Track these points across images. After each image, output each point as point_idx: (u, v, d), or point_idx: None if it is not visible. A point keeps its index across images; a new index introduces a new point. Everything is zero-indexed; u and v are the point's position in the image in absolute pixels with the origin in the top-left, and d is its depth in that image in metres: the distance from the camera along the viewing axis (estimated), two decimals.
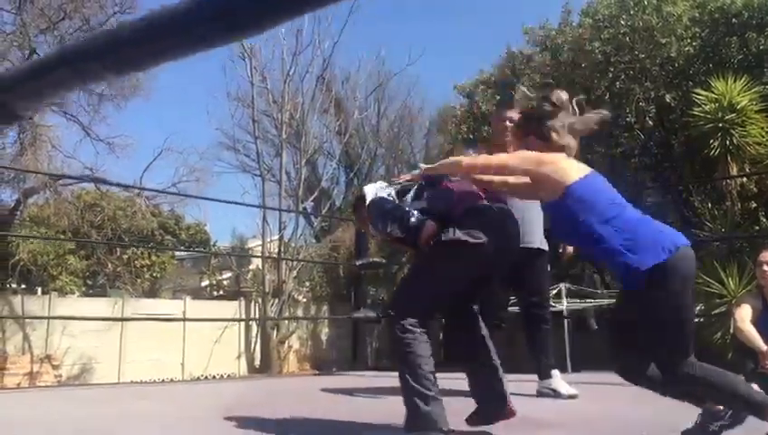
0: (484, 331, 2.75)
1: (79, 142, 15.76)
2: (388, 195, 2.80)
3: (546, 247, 3.96)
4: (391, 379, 5.04)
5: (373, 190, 2.87)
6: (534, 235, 3.81)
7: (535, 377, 3.95)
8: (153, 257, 17.93)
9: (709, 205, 10.10)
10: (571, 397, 3.75)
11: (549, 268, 4.17)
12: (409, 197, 2.76)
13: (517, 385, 3.94)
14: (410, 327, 2.54)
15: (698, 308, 9.42)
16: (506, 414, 2.66)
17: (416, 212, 2.67)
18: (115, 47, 0.88)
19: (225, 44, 0.85)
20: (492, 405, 2.67)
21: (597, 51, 12.07)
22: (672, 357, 2.28)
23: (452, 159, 2.73)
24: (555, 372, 3.88)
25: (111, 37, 0.94)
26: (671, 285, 2.16)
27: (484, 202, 2.68)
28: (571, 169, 2.36)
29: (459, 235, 2.53)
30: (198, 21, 0.83)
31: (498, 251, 2.59)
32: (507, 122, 3.62)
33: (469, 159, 2.64)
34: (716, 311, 7.97)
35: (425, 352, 2.53)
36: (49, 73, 1.01)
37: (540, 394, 3.83)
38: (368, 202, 2.85)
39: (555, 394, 3.78)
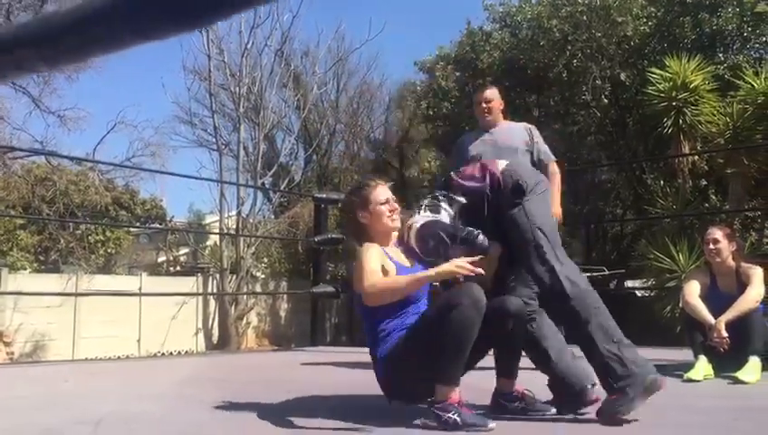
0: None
1: (28, 115, 15.35)
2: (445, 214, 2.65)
3: None
4: (350, 354, 5.08)
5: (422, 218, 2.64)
6: None
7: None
8: (108, 233, 17.58)
9: (661, 182, 10.33)
10: None
11: None
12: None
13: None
14: (572, 277, 2.52)
15: (649, 283, 9.70)
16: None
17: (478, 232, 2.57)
18: (54, 34, 0.80)
19: (177, 34, 0.77)
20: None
21: (555, 29, 12.15)
22: None
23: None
24: None
25: (47, 23, 0.85)
26: None
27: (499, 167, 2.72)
28: None
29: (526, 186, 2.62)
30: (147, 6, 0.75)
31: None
32: (483, 104, 3.72)
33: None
34: (667, 285, 8.19)
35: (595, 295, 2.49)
36: None
37: None
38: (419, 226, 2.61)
39: None
